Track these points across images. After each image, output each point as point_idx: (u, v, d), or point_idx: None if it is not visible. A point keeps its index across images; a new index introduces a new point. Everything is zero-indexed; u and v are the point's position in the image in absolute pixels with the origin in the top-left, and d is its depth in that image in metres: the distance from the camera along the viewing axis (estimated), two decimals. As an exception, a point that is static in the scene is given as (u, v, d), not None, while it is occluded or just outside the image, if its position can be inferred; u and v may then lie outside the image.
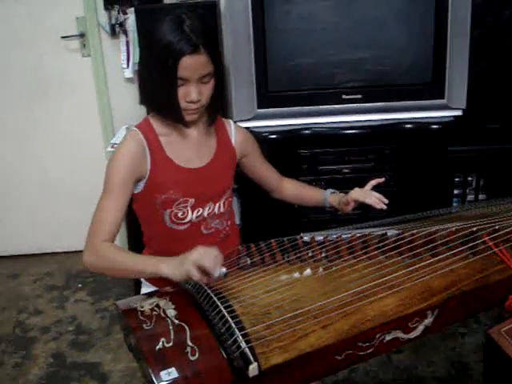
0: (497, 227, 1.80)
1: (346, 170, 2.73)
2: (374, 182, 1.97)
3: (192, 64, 1.63)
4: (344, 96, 2.66)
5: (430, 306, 1.55)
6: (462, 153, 2.81)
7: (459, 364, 2.73)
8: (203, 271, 1.46)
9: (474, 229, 1.79)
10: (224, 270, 1.49)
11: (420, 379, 2.67)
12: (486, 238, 1.77)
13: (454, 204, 2.87)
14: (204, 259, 1.46)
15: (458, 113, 2.73)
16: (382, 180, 1.98)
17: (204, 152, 1.84)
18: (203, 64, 1.65)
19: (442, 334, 2.87)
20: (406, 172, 2.78)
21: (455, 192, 2.91)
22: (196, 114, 1.74)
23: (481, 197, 2.99)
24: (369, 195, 1.92)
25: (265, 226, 2.74)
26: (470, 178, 2.93)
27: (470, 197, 2.97)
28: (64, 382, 2.83)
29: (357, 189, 1.95)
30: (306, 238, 1.81)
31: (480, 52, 2.75)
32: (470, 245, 1.75)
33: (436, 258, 1.69)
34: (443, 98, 2.71)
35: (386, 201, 1.90)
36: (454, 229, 1.79)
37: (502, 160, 2.89)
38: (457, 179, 2.91)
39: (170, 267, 1.53)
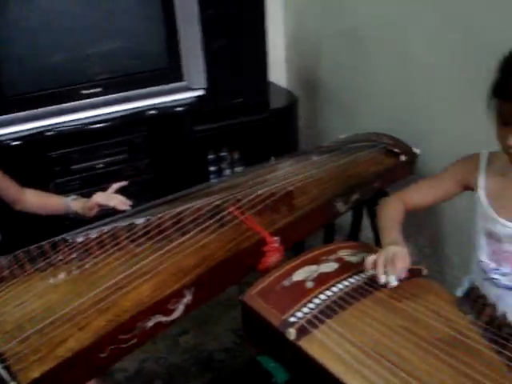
0: (239, 197, 1.88)
1: (101, 165, 2.69)
2: (116, 186, 2.00)
3: None
4: (84, 91, 2.61)
5: (185, 284, 1.58)
6: (211, 130, 2.88)
7: (242, 332, 2.83)
8: None
9: (218, 202, 1.85)
10: None
11: (209, 354, 2.73)
12: (231, 209, 1.84)
13: (213, 181, 2.94)
14: None
15: (200, 92, 2.79)
16: (125, 183, 2.01)
17: None
18: None
19: (224, 305, 2.95)
20: (161, 157, 2.80)
21: (212, 169, 2.99)
22: None
23: (238, 169, 3.09)
24: (112, 198, 1.94)
25: (27, 234, 2.62)
26: (223, 154, 3.02)
27: (228, 171, 3.06)
28: None
29: (99, 193, 1.96)
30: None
31: (216, 30, 2.81)
32: (217, 218, 1.81)
33: (186, 237, 1.73)
34: (183, 81, 2.76)
35: (129, 202, 1.93)
36: (199, 206, 1.84)
37: (250, 131, 3.00)
38: (211, 156, 2.98)
39: None
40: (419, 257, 2.91)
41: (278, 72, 3.63)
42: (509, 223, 1.49)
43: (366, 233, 2.72)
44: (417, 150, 2.46)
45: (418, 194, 1.73)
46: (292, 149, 3.03)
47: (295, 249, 2.20)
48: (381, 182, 2.26)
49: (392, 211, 1.69)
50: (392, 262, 1.45)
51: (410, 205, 1.72)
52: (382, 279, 1.45)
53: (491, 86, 1.35)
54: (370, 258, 1.50)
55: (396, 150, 2.42)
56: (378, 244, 2.28)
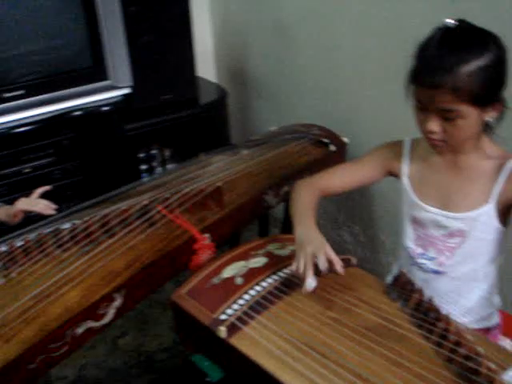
0: (167, 195, 1.86)
1: (28, 170, 2.63)
2: (40, 191, 1.96)
3: None
4: (6, 94, 2.54)
5: (115, 288, 1.56)
6: (140, 128, 2.84)
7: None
8: None
9: (146, 202, 1.83)
10: None
11: (149, 354, 2.70)
12: (160, 208, 1.82)
13: (141, 181, 2.89)
14: None
15: (126, 91, 2.75)
16: (48, 188, 1.98)
17: None
18: None
19: (162, 305, 2.93)
20: (90, 159, 2.75)
21: (143, 168, 2.95)
22: None
23: (170, 167, 3.05)
24: (36, 203, 1.89)
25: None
26: (154, 152, 2.98)
27: (160, 169, 3.03)
28: None
29: (23, 199, 1.91)
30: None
31: (139, 27, 2.77)
32: (146, 218, 1.79)
33: (114, 239, 1.70)
34: (108, 79, 2.71)
35: (54, 206, 1.89)
36: (126, 207, 1.81)
37: (180, 128, 2.97)
38: (142, 155, 2.94)
39: None
40: (355, 244, 2.94)
41: (207, 67, 3.61)
42: (432, 209, 1.51)
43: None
44: (346, 139, 2.48)
45: (337, 178, 1.71)
46: (224, 143, 3.01)
47: (232, 244, 2.19)
48: (311, 173, 2.24)
49: (305, 197, 1.64)
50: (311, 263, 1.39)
51: (327, 188, 1.70)
52: (312, 283, 1.38)
53: (408, 73, 1.36)
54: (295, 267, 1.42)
55: (325, 140, 2.43)
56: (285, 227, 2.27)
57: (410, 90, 1.38)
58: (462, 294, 1.55)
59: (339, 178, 1.71)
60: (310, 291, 1.38)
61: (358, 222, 2.88)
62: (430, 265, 1.56)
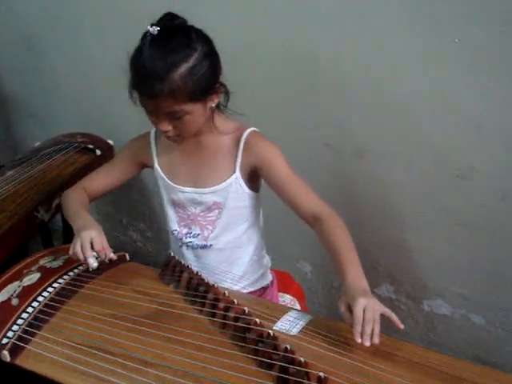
0: None
1: None
2: None
3: None
4: None
5: None
6: None
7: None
8: None
9: None
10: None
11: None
12: None
13: None
14: None
15: None
16: None
17: None
18: None
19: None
20: None
21: None
22: None
23: None
24: None
25: None
26: None
27: None
28: None
29: None
30: None
31: None
32: None
33: None
34: None
35: None
36: None
37: None
38: None
39: None
40: (144, 241, 2.99)
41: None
42: (186, 188, 1.60)
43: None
44: (111, 141, 2.51)
45: (99, 179, 1.75)
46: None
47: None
48: (80, 181, 2.26)
49: (75, 198, 1.68)
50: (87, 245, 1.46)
51: (92, 191, 1.74)
52: (94, 262, 1.47)
53: (129, 81, 1.43)
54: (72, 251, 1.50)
55: (90, 145, 2.44)
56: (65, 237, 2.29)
57: (136, 96, 1.44)
58: (232, 262, 1.66)
59: (101, 179, 1.76)
60: (95, 268, 1.47)
61: (141, 219, 2.93)
62: (196, 241, 1.65)
